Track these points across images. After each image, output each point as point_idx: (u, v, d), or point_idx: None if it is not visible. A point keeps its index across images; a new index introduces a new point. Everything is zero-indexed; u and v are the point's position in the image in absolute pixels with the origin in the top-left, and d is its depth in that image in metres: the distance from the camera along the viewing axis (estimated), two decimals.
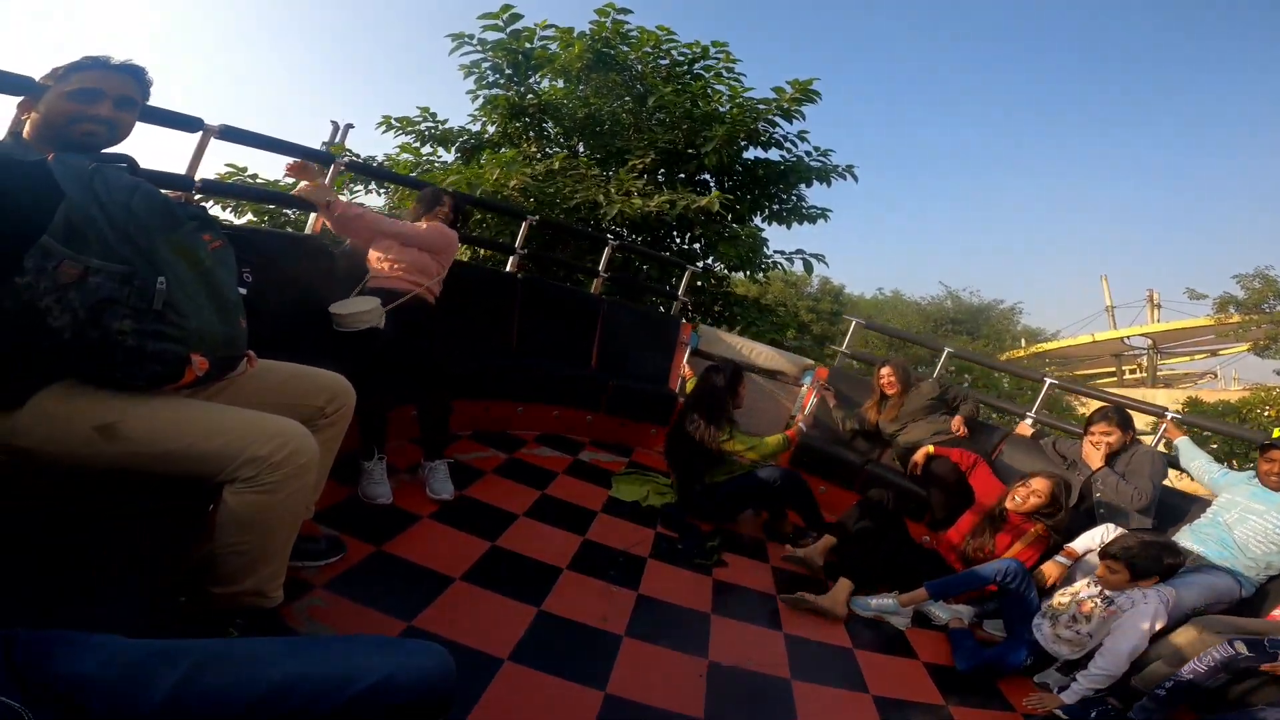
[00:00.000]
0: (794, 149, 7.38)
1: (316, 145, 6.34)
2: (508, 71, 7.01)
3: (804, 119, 7.02)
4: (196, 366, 1.28)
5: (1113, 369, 25.83)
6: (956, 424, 3.70)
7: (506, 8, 6.53)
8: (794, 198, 7.64)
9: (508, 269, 4.57)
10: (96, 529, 1.24)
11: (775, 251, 7.31)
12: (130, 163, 1.47)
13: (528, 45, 6.86)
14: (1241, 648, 2.06)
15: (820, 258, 7.11)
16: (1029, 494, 2.92)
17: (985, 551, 2.91)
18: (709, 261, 7.37)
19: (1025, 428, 4.07)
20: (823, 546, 3.00)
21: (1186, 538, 2.82)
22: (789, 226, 7.63)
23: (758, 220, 7.67)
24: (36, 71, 1.50)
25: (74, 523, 1.22)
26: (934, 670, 2.44)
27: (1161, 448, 3.55)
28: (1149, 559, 2.38)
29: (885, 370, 4.01)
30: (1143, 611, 2.31)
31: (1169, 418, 3.69)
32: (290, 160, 2.82)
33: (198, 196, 2.82)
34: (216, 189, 2.72)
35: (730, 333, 5.34)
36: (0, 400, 1.19)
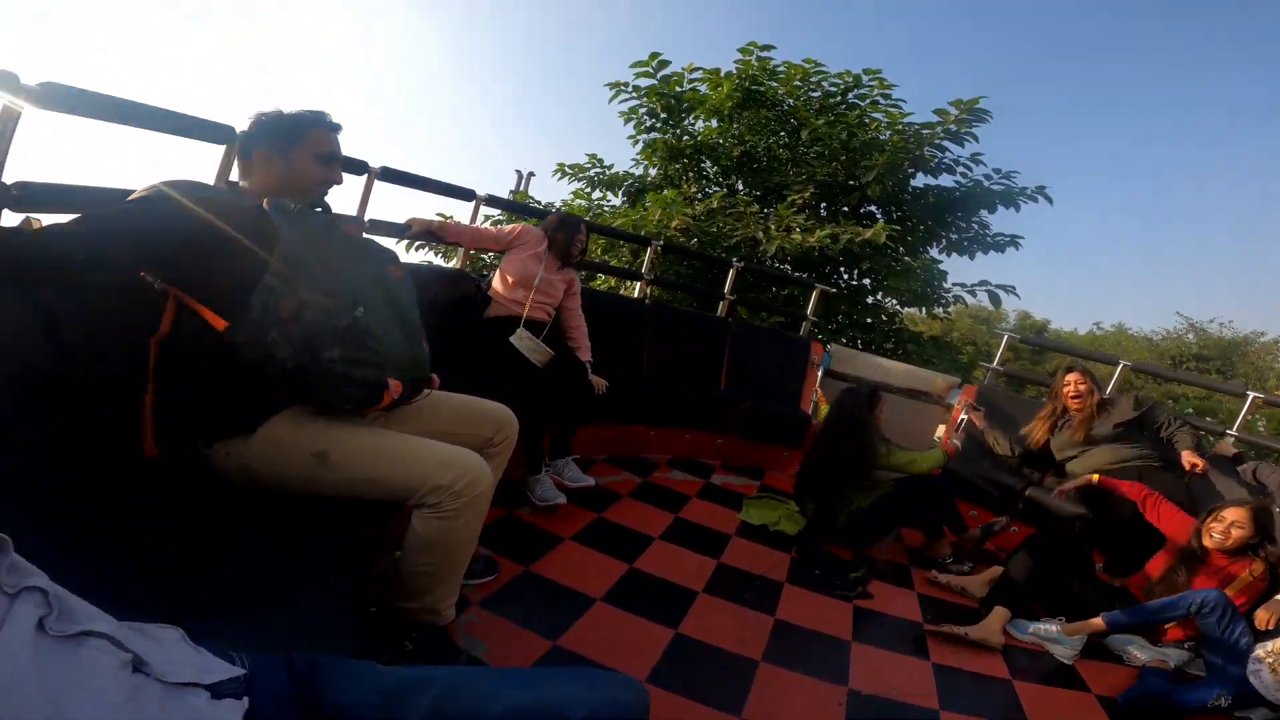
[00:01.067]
0: (969, 173, 6.92)
1: (504, 193, 7.46)
2: (662, 115, 7.37)
3: (976, 140, 6.59)
4: (393, 390, 1.40)
5: None
6: (1189, 459, 2.99)
7: (654, 55, 6.93)
8: (975, 225, 7.14)
9: (636, 294, 4.75)
10: (314, 546, 1.38)
11: (955, 284, 6.90)
12: (325, 205, 1.63)
13: (678, 89, 7.20)
14: None
15: (1010, 289, 6.61)
16: (1227, 527, 2.52)
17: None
18: (879, 297, 7.12)
19: (1226, 446, 3.47)
20: (985, 578, 2.78)
21: None
22: (972, 257, 7.13)
23: (934, 251, 7.29)
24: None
25: (295, 539, 1.37)
26: (1110, 704, 2.23)
27: None
28: None
29: (1072, 378, 3.35)
30: None
31: None
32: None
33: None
34: (380, 228, 3.06)
35: (865, 353, 5.14)
36: (239, 427, 1.36)
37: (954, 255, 7.25)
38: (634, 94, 7.29)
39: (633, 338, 4.12)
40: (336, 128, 1.59)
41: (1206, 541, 2.58)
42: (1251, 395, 3.88)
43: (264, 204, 1.42)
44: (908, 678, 2.21)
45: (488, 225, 3.52)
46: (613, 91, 7.31)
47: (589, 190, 7.88)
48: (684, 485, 3.59)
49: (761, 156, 7.48)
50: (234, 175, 1.62)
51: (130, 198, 1.26)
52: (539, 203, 7.62)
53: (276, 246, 1.33)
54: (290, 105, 1.58)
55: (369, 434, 1.45)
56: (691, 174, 7.70)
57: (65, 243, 1.17)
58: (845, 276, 7.28)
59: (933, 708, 2.06)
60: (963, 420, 4.05)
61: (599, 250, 6.98)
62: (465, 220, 3.83)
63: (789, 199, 6.86)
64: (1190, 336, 19.17)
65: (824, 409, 3.67)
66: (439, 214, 3.29)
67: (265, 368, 1.31)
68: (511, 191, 9.34)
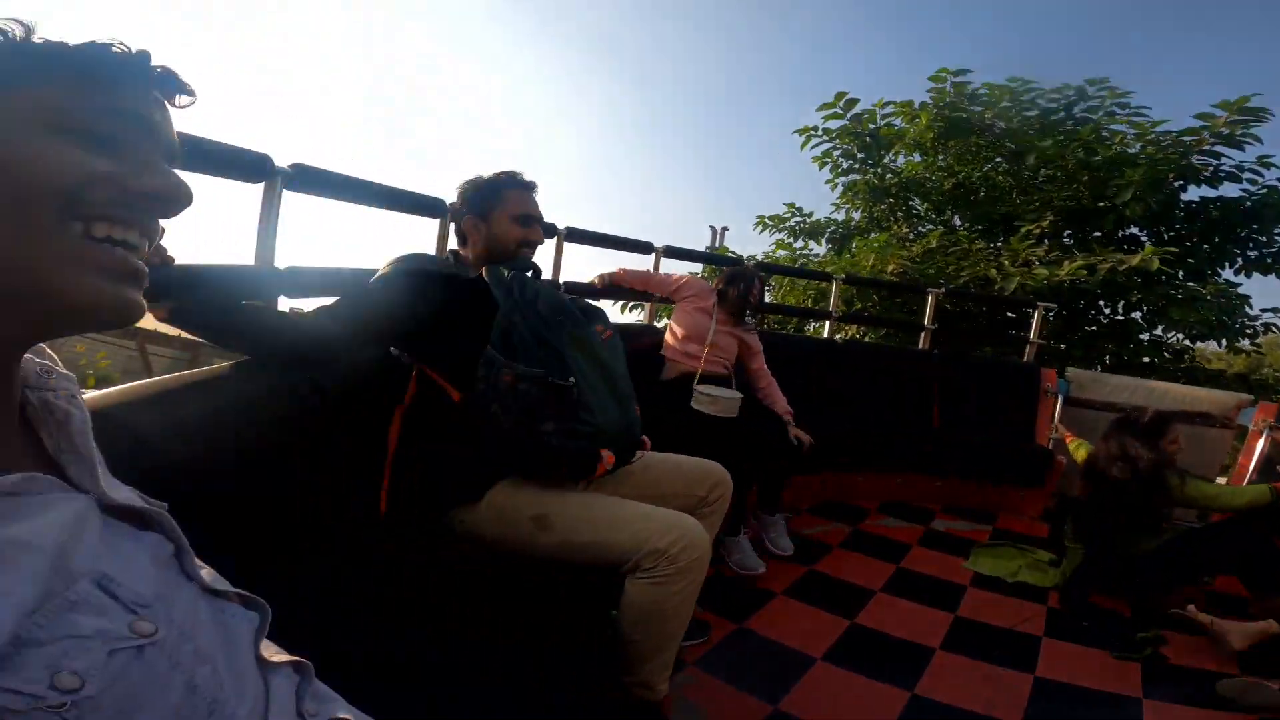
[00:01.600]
0: (1260, 178, 5.84)
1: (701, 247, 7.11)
2: (859, 155, 7.14)
3: (1260, 142, 5.59)
4: (605, 461, 1.40)
5: None
6: None
7: (841, 95, 6.77)
8: (1277, 238, 6.03)
9: (825, 334, 4.55)
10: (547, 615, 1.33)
11: (1265, 310, 5.83)
12: (534, 269, 1.62)
13: (871, 126, 6.96)
14: None
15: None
16: None
17: None
18: (1157, 332, 6.16)
19: None
20: (1254, 630, 2.16)
21: None
22: (1279, 275, 6.04)
23: (1228, 273, 6.18)
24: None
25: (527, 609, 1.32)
26: None
27: None
28: None
29: None
30: None
31: None
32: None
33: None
34: (577, 289, 3.18)
35: (1115, 375, 4.39)
36: (467, 495, 1.42)
37: (1255, 275, 6.06)
38: (825, 137, 7.15)
39: (825, 378, 3.91)
40: (530, 186, 1.62)
41: None
42: None
43: (482, 273, 1.49)
44: None
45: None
46: (803, 138, 7.23)
47: (790, 240, 7.79)
48: (901, 533, 3.29)
49: (978, 187, 6.96)
50: (453, 243, 1.71)
51: (375, 277, 1.40)
52: (735, 253, 7.40)
53: (495, 317, 1.39)
54: (488, 169, 1.65)
55: (585, 498, 1.46)
56: (900, 213, 7.36)
57: (332, 326, 1.32)
58: (1107, 312, 6.37)
59: None
60: (1261, 448, 3.33)
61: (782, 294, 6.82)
62: None
63: (1022, 230, 6.18)
64: None
65: (1072, 444, 3.20)
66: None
67: (490, 439, 1.36)
68: (708, 247, 9.24)
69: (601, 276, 3.21)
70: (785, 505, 3.00)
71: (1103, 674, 2.09)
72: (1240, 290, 5.78)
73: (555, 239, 3.00)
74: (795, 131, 7.27)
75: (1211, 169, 5.86)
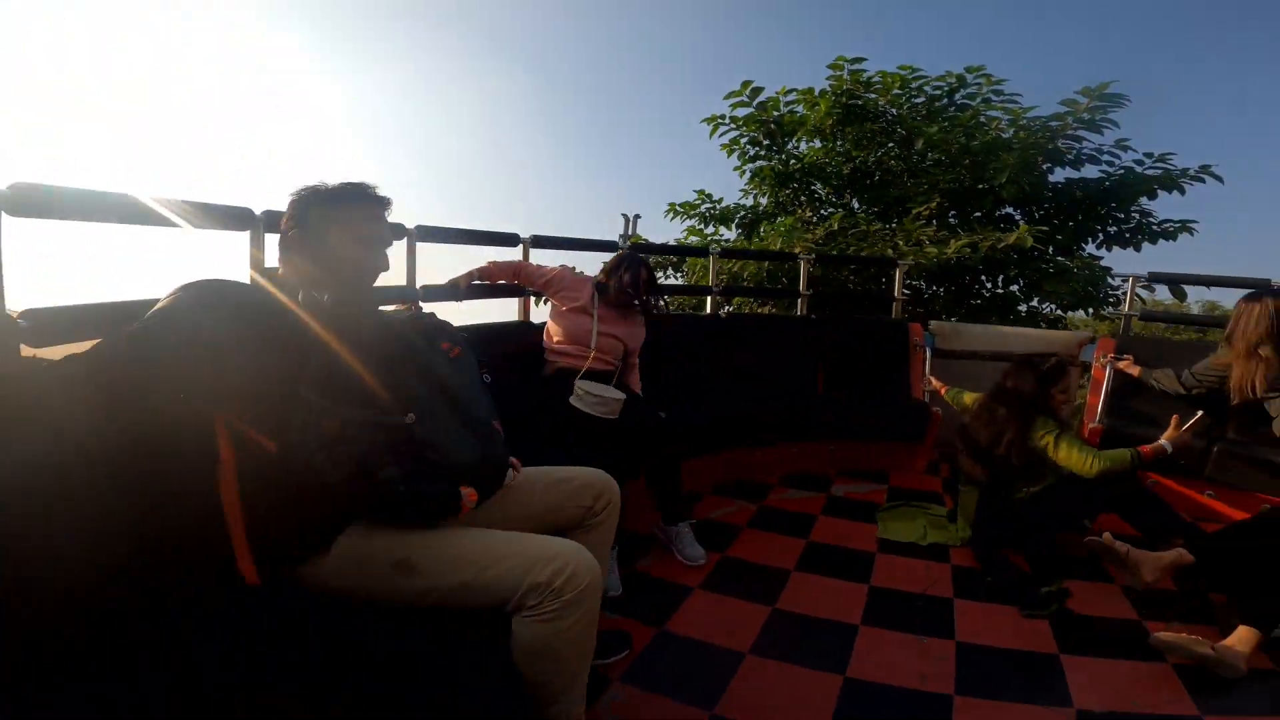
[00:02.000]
0: (1116, 160, 6.43)
1: (614, 237, 6.54)
2: (765, 142, 7.32)
3: (1117, 126, 6.16)
4: (467, 499, 1.29)
5: None
6: None
7: (747, 84, 6.88)
8: (1135, 215, 6.59)
9: (709, 311, 4.45)
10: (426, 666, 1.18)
11: (1123, 279, 6.42)
12: (367, 294, 1.46)
13: (775, 113, 7.15)
14: None
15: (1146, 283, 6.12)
16: None
17: None
18: (1034, 303, 6.61)
19: None
20: (1166, 561, 2.26)
21: None
22: (1138, 249, 6.59)
23: (1091, 248, 6.77)
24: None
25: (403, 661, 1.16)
26: None
27: None
28: None
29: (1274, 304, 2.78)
30: None
31: None
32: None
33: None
34: (434, 293, 2.86)
35: (974, 324, 4.70)
36: (311, 547, 1.26)
37: (1115, 249, 6.71)
38: (732, 125, 7.31)
39: (709, 356, 3.90)
40: (381, 201, 1.41)
41: None
42: None
43: (298, 300, 1.30)
44: (1148, 686, 1.87)
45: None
46: (710, 126, 7.35)
47: (701, 226, 7.86)
48: (805, 504, 3.34)
49: (874, 171, 7.31)
50: (271, 261, 1.44)
51: (153, 310, 1.12)
52: (646, 240, 7.09)
53: (316, 352, 1.21)
54: (333, 177, 1.40)
55: (450, 535, 1.31)
56: (803, 198, 7.58)
57: (83, 376, 1.04)
58: (989, 286, 6.80)
59: (1193, 714, 1.71)
60: (1108, 380, 3.58)
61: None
62: None
63: (913, 212, 6.59)
64: None
65: (948, 393, 3.32)
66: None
67: (317, 495, 1.20)
68: (621, 235, 9.38)
69: (466, 275, 3.00)
70: (687, 498, 2.98)
71: (1017, 632, 2.16)
72: (1102, 263, 6.34)
73: (406, 240, 2.75)
74: (703, 120, 7.38)
75: (1075, 152, 6.40)
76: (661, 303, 3.02)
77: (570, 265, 3.13)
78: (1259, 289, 2.98)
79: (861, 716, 1.75)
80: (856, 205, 7.45)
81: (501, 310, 3.32)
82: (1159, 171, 6.23)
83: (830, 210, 7.28)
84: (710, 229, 7.85)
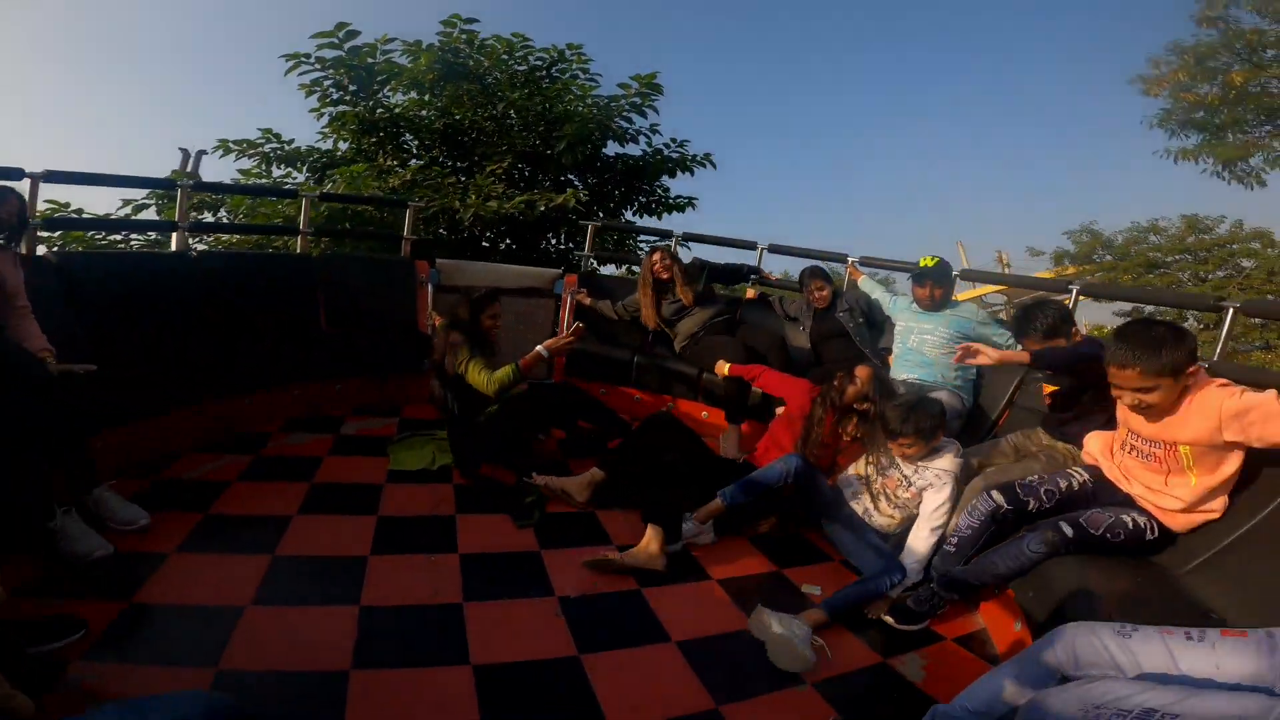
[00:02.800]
0: (650, 141, 7.73)
1: (165, 174, 6.19)
2: (352, 88, 6.95)
3: (657, 113, 7.37)
4: None
5: None
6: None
7: (341, 25, 6.47)
8: (659, 189, 8.00)
9: (174, 248, 3.89)
10: None
11: (643, 239, 7.68)
12: None
13: (370, 60, 6.82)
14: (999, 498, 2.16)
15: (682, 244, 7.53)
16: (848, 381, 2.75)
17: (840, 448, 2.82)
18: (583, 253, 7.09)
19: (751, 291, 4.45)
20: (585, 480, 2.81)
21: (899, 371, 3.24)
22: (660, 218, 8.02)
23: (629, 214, 8.01)
24: None
25: None
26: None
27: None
28: (930, 419, 2.40)
29: (657, 256, 4.06)
30: (937, 493, 2.41)
31: (850, 261, 4.12)
32: None
33: None
34: None
35: (474, 261, 5.26)
36: None
37: (646, 216, 8.08)
38: (317, 66, 6.74)
39: (185, 300, 3.48)
40: None
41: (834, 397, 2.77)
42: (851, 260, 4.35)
43: None
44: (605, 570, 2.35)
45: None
46: (290, 64, 6.65)
47: (264, 167, 7.09)
48: (310, 448, 3.21)
49: (469, 130, 7.47)
50: None
51: None
52: (201, 179, 6.71)
53: None
54: None
55: None
56: (390, 147, 7.41)
57: None
58: (553, 240, 7.74)
59: (634, 587, 2.23)
60: (570, 306, 4.50)
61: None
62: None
63: (488, 168, 6.99)
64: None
65: (441, 326, 3.55)
66: None
67: None
68: (174, 172, 7.74)
69: None
70: (161, 451, 2.72)
71: (509, 536, 2.50)
72: (634, 225, 7.83)
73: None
74: (283, 56, 6.64)
75: (625, 130, 7.50)
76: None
77: None
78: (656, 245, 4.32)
79: (384, 638, 1.81)
80: (443, 159, 7.60)
81: None
82: (677, 155, 7.80)
83: (417, 162, 7.31)
84: (279, 171, 7.23)
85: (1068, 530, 1.97)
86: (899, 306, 3.51)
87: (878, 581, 2.19)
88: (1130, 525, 2.00)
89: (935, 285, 3.26)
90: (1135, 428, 2.03)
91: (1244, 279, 13.83)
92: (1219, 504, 1.94)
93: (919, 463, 2.48)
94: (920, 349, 3.22)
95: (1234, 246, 14.14)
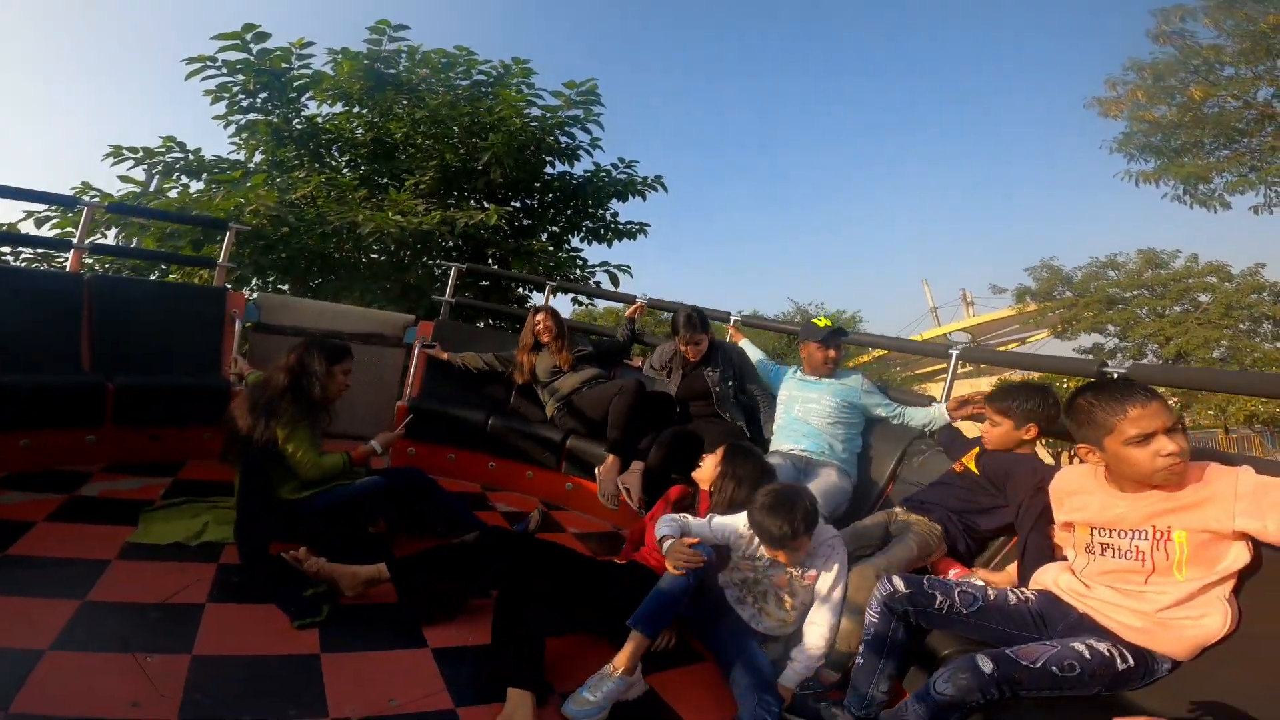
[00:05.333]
0: (591, 157, 7.25)
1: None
2: (262, 94, 6.44)
3: (601, 127, 6.98)
4: None
5: (943, 365, 28.12)
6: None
7: (250, 27, 6.03)
8: (606, 213, 7.46)
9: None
10: None
11: (579, 265, 7.17)
12: None
13: (284, 65, 6.37)
14: (898, 582, 1.73)
15: (625, 268, 7.02)
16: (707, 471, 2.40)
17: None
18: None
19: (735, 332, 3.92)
20: (365, 575, 2.16)
21: (783, 442, 2.93)
22: (609, 244, 7.44)
23: (575, 240, 7.47)
24: None
25: None
26: None
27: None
28: (806, 506, 1.99)
29: (541, 316, 3.81)
30: (830, 562, 2.05)
31: (732, 320, 3.87)
32: None
33: None
34: None
35: (306, 299, 4.63)
36: None
37: (594, 243, 7.52)
38: (224, 70, 6.25)
39: None
40: None
41: (698, 476, 2.46)
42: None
43: None
44: (409, 681, 1.77)
45: None
46: (192, 68, 6.15)
47: (160, 178, 6.42)
48: (24, 509, 2.44)
49: (401, 144, 7.05)
50: None
51: None
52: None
53: None
54: None
55: None
56: (308, 160, 6.88)
57: None
58: (488, 262, 7.07)
59: (448, 708, 1.68)
60: (417, 358, 4.01)
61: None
62: None
63: (408, 183, 6.56)
64: (799, 318, 19.60)
65: (253, 376, 2.91)
66: None
67: None
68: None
69: None
70: None
71: (280, 634, 1.86)
72: (583, 256, 7.33)
73: None
74: (184, 60, 6.12)
75: (566, 146, 7.06)
76: None
77: None
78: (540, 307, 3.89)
79: None
80: (347, 171, 7.14)
81: None
82: (625, 176, 7.31)
83: (341, 174, 6.84)
84: (189, 182, 6.55)
85: (985, 665, 1.41)
86: (783, 375, 3.24)
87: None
88: (1087, 655, 1.44)
89: (836, 348, 3.05)
90: (1112, 519, 1.59)
91: (1200, 313, 14.22)
92: (1219, 614, 1.44)
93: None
94: (806, 419, 2.94)
95: (1190, 281, 14.56)
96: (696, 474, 2.42)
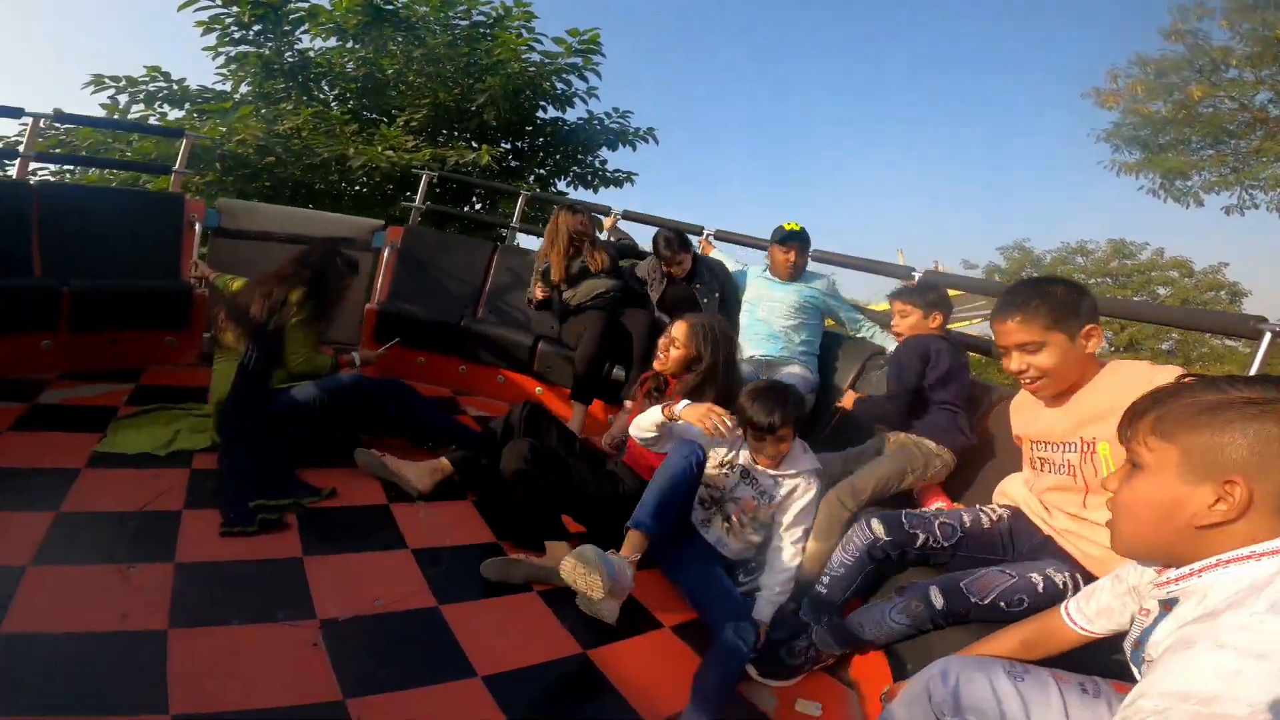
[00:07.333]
0: (586, 105, 7.21)
1: None
2: (256, 27, 6.24)
3: (599, 76, 6.88)
4: None
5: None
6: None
7: None
8: (596, 161, 7.53)
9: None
10: None
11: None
12: None
13: None
14: (878, 528, 1.71)
15: (632, 175, 7.26)
16: (669, 344, 2.33)
17: None
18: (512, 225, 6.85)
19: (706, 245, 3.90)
20: (429, 467, 2.39)
21: (746, 347, 2.97)
22: (595, 191, 7.51)
23: (562, 184, 7.54)
24: None
25: None
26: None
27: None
28: (794, 398, 2.04)
29: (576, 218, 3.53)
30: (802, 496, 2.06)
31: (705, 235, 3.90)
32: None
33: None
34: None
35: (270, 204, 4.51)
36: None
37: (580, 188, 7.60)
38: (219, 1, 6.05)
39: None
40: None
41: (657, 365, 2.37)
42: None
43: None
44: (391, 580, 1.82)
45: None
46: None
47: (119, 107, 6.13)
48: None
49: (395, 83, 6.95)
50: None
51: None
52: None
53: None
54: None
55: None
56: (295, 94, 6.73)
57: None
58: (473, 200, 7.25)
59: (432, 605, 1.75)
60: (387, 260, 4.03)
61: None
62: None
63: (399, 119, 6.49)
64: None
65: (218, 280, 2.88)
66: None
67: None
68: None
69: None
70: None
71: (261, 539, 1.92)
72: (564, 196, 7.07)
73: None
74: None
75: (562, 93, 6.95)
76: None
77: None
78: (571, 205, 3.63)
79: (30, 687, 1.29)
80: (336, 106, 7.05)
81: None
82: (618, 126, 7.28)
83: (329, 108, 6.77)
84: (172, 111, 6.46)
85: (937, 600, 1.47)
86: (750, 275, 3.25)
87: (731, 651, 1.68)
88: (1040, 588, 1.46)
89: (799, 251, 3.06)
90: (1043, 430, 1.55)
91: (1157, 306, 13.76)
92: None
93: (775, 472, 2.04)
94: (769, 319, 3.00)
95: (1153, 273, 15.14)
96: (658, 363, 2.35)
